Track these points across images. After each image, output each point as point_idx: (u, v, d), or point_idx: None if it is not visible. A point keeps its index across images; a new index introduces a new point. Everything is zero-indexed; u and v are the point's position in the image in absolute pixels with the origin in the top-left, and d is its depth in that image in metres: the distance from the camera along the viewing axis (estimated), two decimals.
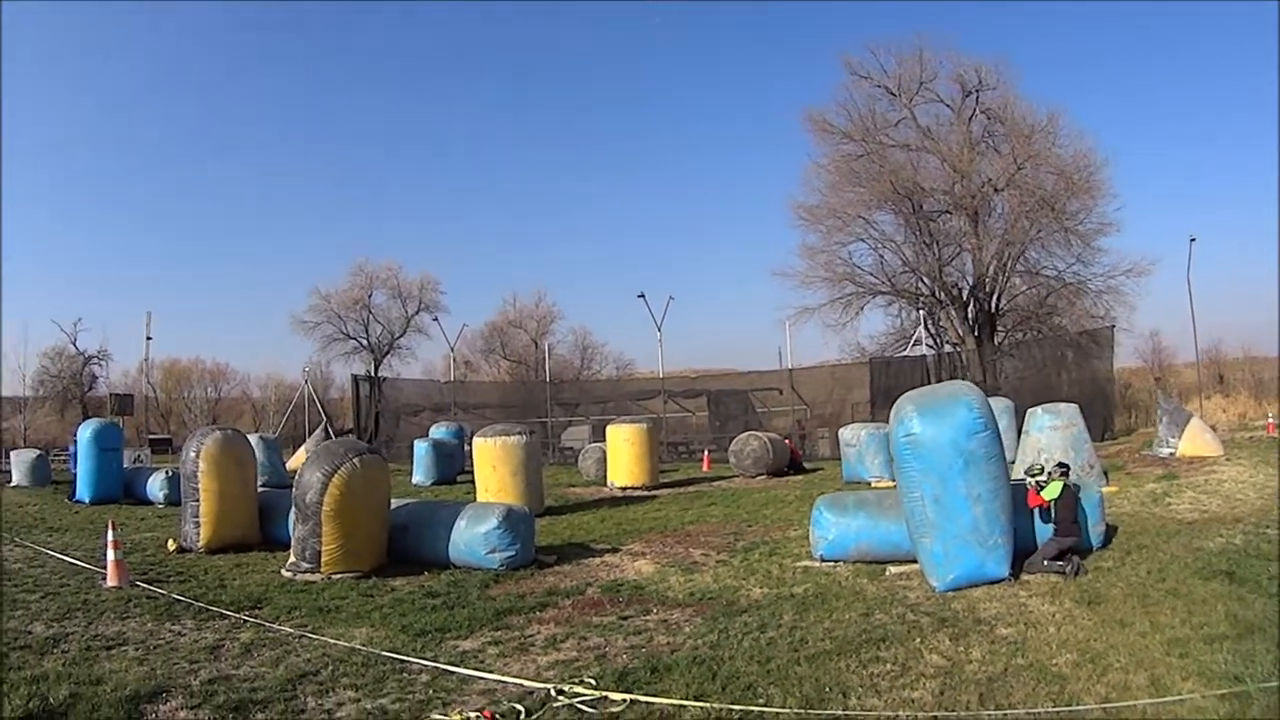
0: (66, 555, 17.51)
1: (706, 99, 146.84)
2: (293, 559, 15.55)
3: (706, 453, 42.36)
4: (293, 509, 15.69)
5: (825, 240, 57.34)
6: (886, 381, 45.98)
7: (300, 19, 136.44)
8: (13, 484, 36.93)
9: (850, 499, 16.23)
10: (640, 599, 13.37)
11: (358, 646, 10.64)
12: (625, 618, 12.19)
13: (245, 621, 12.13)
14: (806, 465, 37.35)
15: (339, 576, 14.90)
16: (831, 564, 14.96)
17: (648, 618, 12.18)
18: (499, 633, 11.54)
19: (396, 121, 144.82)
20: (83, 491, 29.86)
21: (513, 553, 15.67)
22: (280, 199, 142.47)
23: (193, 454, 18.64)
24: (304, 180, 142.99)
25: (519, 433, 24.59)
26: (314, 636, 11.23)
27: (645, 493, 29.82)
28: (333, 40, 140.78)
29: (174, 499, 25.30)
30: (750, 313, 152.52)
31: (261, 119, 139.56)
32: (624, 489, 30.67)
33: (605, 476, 32.59)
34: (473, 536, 15.73)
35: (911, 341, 51.63)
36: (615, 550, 17.90)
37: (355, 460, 15.46)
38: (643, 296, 55.22)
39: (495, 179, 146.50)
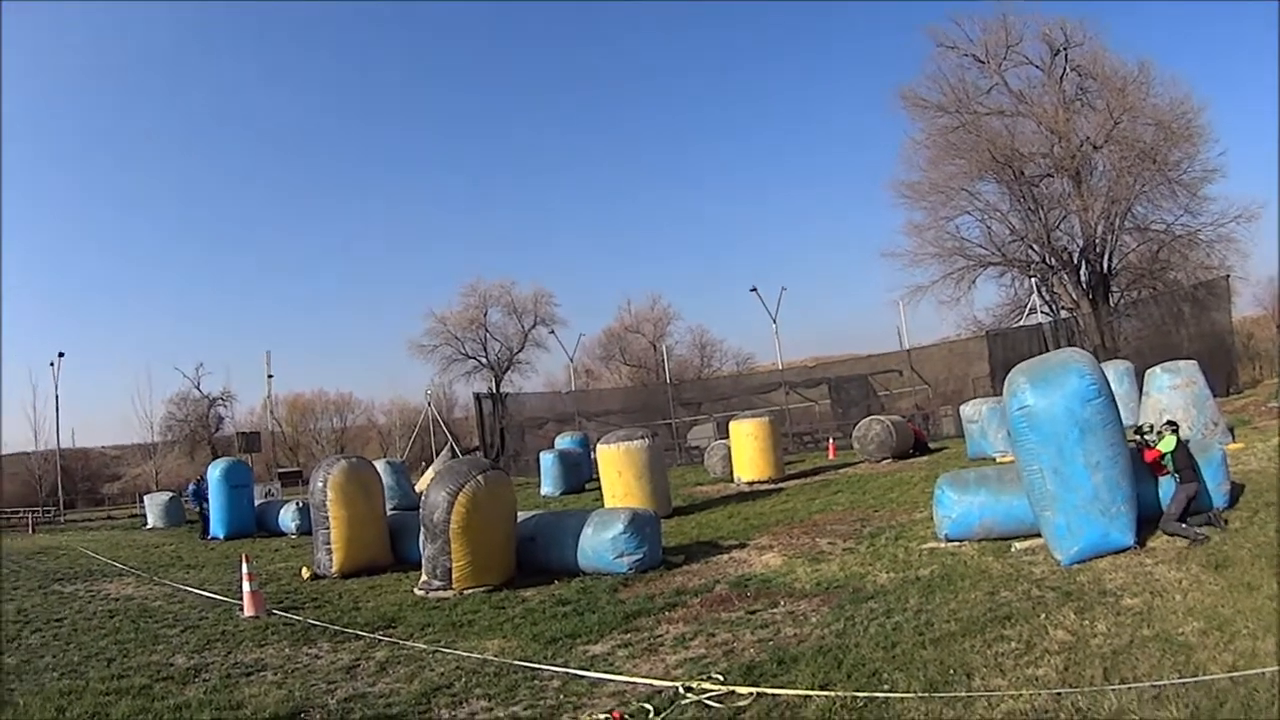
0: (204, 590, 18.01)
1: (804, 90, 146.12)
2: (424, 577, 15.80)
3: (831, 440, 42.37)
4: (421, 529, 15.94)
5: (931, 216, 56.86)
6: (1005, 353, 45.10)
7: (403, 43, 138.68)
8: (149, 526, 38.26)
9: (971, 476, 16.11)
10: (768, 592, 13.38)
11: (490, 658, 10.80)
12: (753, 612, 12.21)
13: (380, 641, 12.38)
14: (932, 445, 36.98)
15: (471, 591, 15.10)
16: (957, 544, 14.83)
17: (775, 610, 12.20)
18: (628, 635, 11.63)
19: (496, 137, 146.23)
20: (216, 528, 30.75)
21: (640, 555, 15.79)
22: (387, 224, 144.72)
23: (320, 484, 19.04)
24: (410, 204, 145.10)
25: (641, 437, 24.66)
26: (447, 651, 11.40)
27: (772, 485, 29.67)
28: (436, 60, 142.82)
29: (305, 529, 26.03)
30: (865, 295, 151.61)
31: (359, 147, 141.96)
32: (750, 483, 30.53)
33: (731, 473, 32.45)
34: (600, 542, 15.89)
35: (1026, 310, 50.94)
36: (743, 545, 17.88)
37: (479, 478, 15.67)
38: (755, 290, 55.59)
39: (600, 185, 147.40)
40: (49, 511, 58.34)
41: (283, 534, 29.50)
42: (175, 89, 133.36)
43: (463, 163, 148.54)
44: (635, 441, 24.25)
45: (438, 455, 49.22)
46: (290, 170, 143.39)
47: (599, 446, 25.46)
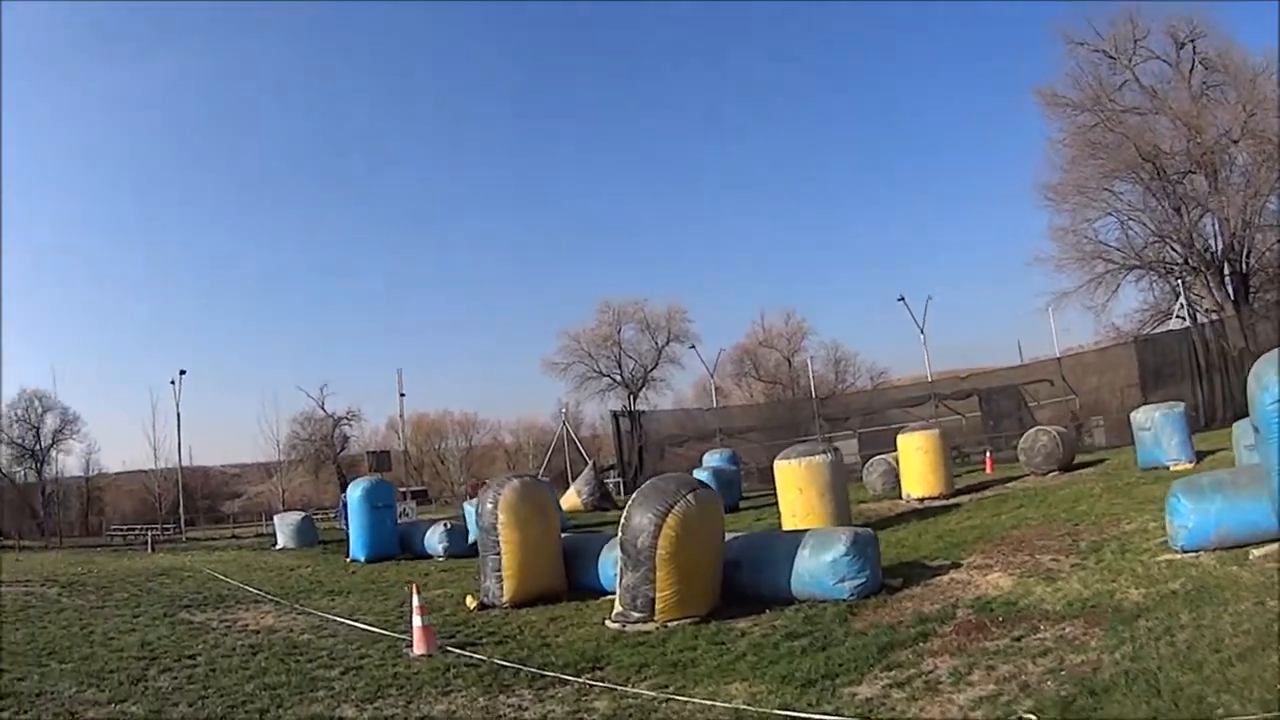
0: (356, 621, 16.63)
1: (940, 87, 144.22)
2: (620, 608, 14.50)
3: (989, 454, 41.27)
4: (619, 554, 14.78)
5: (1072, 219, 56.47)
6: (1155, 359, 44.90)
7: (536, 66, 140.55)
8: (278, 546, 37.65)
9: (1205, 482, 14.67)
10: (1018, 616, 12.03)
11: (741, 706, 9.37)
12: (1018, 639, 10.83)
13: (592, 686, 10.87)
14: (1088, 457, 35.36)
15: (675, 624, 13.83)
16: (1194, 554, 13.54)
17: (1040, 636, 10.87)
18: (892, 672, 10.17)
19: (627, 153, 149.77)
20: (357, 550, 29.85)
21: (863, 579, 14.45)
22: (519, 245, 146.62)
23: (490, 505, 17.72)
24: (541, 224, 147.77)
25: (823, 451, 23.24)
26: (681, 698, 9.92)
27: (945, 501, 28.29)
28: (571, 79, 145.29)
29: (455, 551, 26.19)
30: (1003, 304, 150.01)
31: (493, 165, 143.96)
32: (921, 499, 29.20)
33: (894, 489, 31.55)
34: (818, 565, 14.56)
35: (1174, 314, 49.55)
36: (956, 565, 16.43)
37: (689, 497, 14.52)
38: (903, 299, 55.57)
39: (734, 197, 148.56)
40: (169, 529, 59.37)
41: (429, 556, 28.62)
42: (290, 111, 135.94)
43: (593, 181, 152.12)
44: (817, 456, 22.70)
45: (577, 475, 49.16)
46: (420, 192, 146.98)
47: (777, 462, 23.90)
